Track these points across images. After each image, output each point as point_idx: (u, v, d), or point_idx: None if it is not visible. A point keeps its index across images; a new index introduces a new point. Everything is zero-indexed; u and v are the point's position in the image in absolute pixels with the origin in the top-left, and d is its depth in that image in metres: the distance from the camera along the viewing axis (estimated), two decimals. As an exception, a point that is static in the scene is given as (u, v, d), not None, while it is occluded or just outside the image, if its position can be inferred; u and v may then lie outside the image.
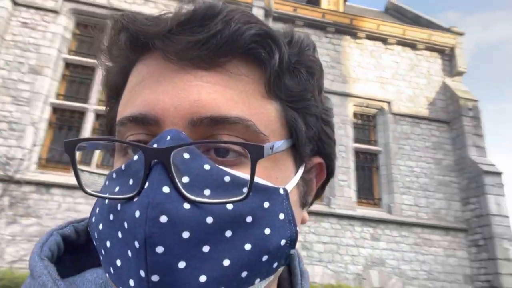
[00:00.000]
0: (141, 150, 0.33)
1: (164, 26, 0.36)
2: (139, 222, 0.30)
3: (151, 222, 0.30)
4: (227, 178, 0.34)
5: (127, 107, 0.38)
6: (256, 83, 0.38)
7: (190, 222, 0.31)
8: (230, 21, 0.36)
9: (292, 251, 0.38)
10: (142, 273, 0.30)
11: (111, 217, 0.34)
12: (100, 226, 0.36)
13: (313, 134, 0.43)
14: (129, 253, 0.31)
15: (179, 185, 0.32)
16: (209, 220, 0.32)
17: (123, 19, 0.38)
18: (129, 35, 0.38)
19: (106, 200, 0.35)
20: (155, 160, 0.32)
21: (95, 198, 0.38)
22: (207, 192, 0.33)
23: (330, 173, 0.48)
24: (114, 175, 0.37)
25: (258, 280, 0.34)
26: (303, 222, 0.44)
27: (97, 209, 0.37)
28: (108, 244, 0.34)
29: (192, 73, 0.36)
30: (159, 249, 0.30)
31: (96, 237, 0.37)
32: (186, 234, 0.30)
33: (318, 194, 0.48)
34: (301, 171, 0.42)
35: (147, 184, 0.32)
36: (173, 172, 0.32)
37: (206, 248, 0.31)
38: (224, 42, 0.35)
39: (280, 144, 0.38)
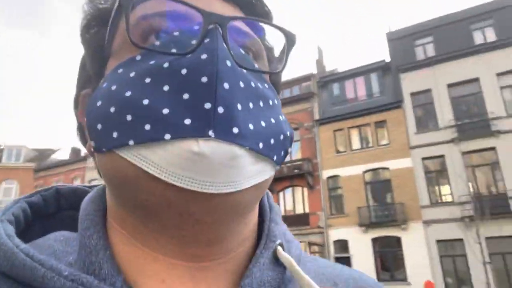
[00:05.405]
0: (200, 13, 0.34)
1: None
2: (207, 61, 0.32)
3: (222, 61, 0.32)
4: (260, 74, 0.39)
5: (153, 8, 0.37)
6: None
7: (243, 77, 0.35)
8: None
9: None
10: (208, 105, 0.31)
11: (148, 80, 0.34)
12: (127, 94, 0.33)
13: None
14: (186, 96, 0.32)
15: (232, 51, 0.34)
16: (253, 84, 0.36)
17: None
18: None
19: (132, 73, 0.35)
20: (216, 23, 0.34)
21: None
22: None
23: None
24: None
25: (275, 156, 0.37)
26: None
27: (113, 87, 0.35)
28: (145, 102, 0.33)
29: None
30: (226, 85, 0.32)
31: (113, 111, 0.34)
32: (242, 84, 0.34)
33: None
34: None
35: (207, 39, 0.33)
36: (228, 39, 0.34)
37: (251, 105, 0.35)
38: None
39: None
